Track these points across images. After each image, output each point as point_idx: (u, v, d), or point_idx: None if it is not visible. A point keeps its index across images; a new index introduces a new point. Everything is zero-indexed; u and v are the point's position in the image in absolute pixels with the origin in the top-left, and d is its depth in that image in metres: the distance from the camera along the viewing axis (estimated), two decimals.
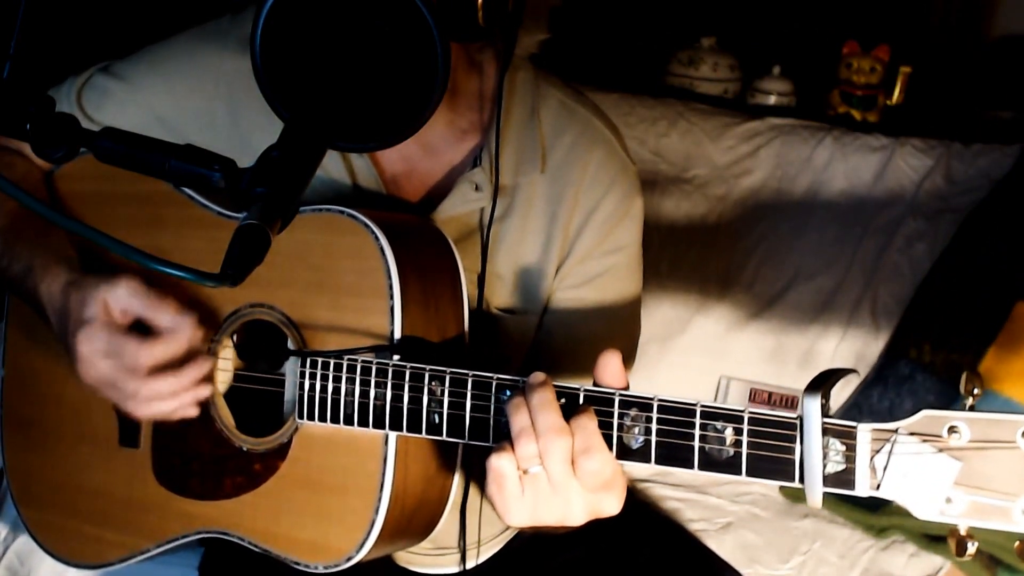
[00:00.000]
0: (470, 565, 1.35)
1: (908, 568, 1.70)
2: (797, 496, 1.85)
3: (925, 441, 0.80)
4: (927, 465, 0.80)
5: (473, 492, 1.23)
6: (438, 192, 1.24)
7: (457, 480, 1.16)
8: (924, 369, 1.89)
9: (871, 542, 1.75)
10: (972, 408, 0.80)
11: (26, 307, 1.24)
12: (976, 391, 0.81)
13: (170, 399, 1.09)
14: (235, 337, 1.19)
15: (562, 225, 1.24)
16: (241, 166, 0.85)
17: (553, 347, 1.26)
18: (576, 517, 0.93)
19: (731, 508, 1.85)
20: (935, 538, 1.70)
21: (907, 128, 2.27)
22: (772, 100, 2.48)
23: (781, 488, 1.89)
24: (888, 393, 1.91)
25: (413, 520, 1.13)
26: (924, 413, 0.81)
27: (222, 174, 0.83)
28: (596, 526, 1.37)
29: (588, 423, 0.90)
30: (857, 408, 1.94)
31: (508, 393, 0.97)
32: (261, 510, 1.14)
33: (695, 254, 2.15)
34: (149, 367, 1.07)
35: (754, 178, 2.22)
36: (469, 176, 1.21)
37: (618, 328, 1.30)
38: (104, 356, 1.08)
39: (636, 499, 1.59)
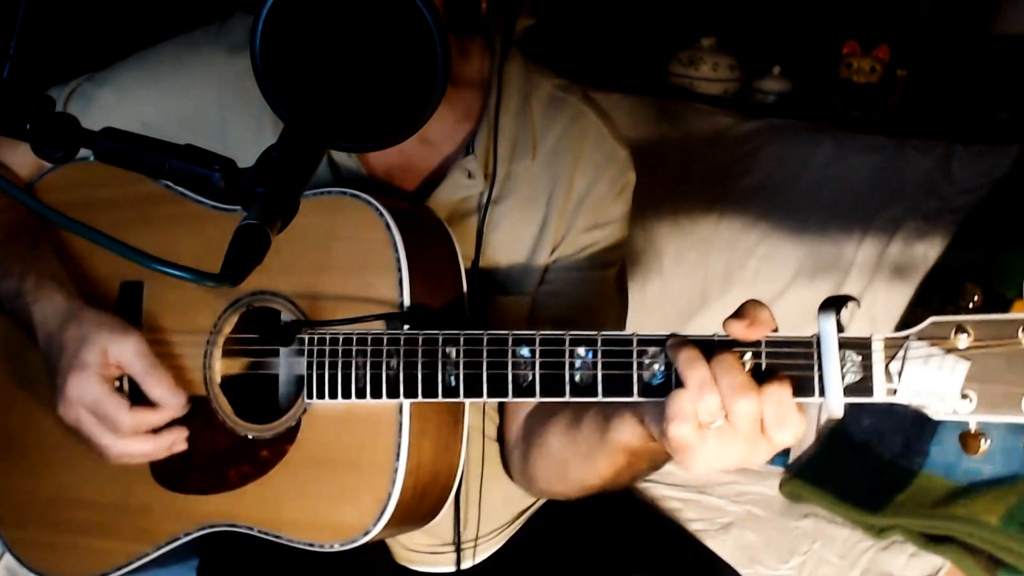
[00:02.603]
0: (468, 564, 1.35)
1: (908, 568, 1.70)
2: (798, 496, 1.85)
3: (935, 345, 0.84)
4: (938, 367, 0.84)
5: (472, 487, 1.23)
6: (432, 180, 1.25)
7: (461, 466, 1.17)
8: None
9: (871, 542, 1.74)
10: (976, 311, 0.84)
11: (8, 324, 1.24)
12: (976, 298, 0.85)
13: (140, 457, 1.14)
14: (235, 327, 1.19)
15: (557, 209, 1.27)
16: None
17: (546, 318, 1.28)
18: (758, 462, 0.92)
19: (731, 508, 1.84)
20: (935, 538, 1.69)
21: (907, 128, 2.27)
22: (772, 100, 2.48)
23: (781, 487, 1.89)
24: None
25: (425, 497, 1.14)
26: (931, 319, 0.85)
27: (222, 174, 0.83)
28: (595, 527, 1.37)
29: (783, 392, 0.88)
30: (857, 405, 1.93)
31: (526, 348, 1.00)
32: (269, 497, 1.14)
33: (695, 254, 2.15)
34: (130, 431, 1.11)
35: (754, 178, 2.21)
36: (462, 164, 1.23)
37: (608, 295, 1.33)
38: (89, 406, 1.11)
39: (636, 499, 1.59)
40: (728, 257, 2.14)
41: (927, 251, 2.05)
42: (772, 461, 1.96)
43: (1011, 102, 2.37)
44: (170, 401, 1.12)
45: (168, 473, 1.20)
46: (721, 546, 1.70)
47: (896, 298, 2.04)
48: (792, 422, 0.87)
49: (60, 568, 1.28)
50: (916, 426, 1.83)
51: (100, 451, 1.13)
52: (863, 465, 1.85)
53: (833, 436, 1.95)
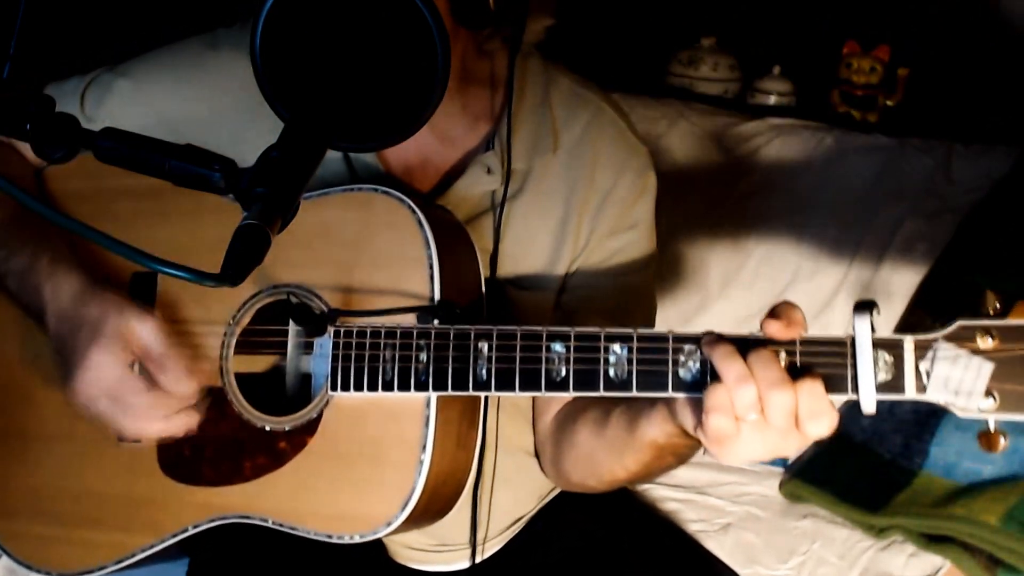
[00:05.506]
0: (467, 564, 1.35)
1: (908, 568, 1.70)
2: (797, 496, 1.85)
3: (962, 346, 0.89)
4: (965, 368, 0.89)
5: (483, 487, 1.23)
6: (450, 176, 1.26)
7: (474, 467, 1.18)
8: None
9: (871, 542, 1.74)
10: (997, 317, 0.89)
11: (6, 307, 1.24)
12: (998, 305, 0.90)
13: (152, 437, 1.15)
14: (254, 319, 1.19)
15: (578, 206, 1.27)
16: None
17: (575, 322, 1.27)
18: (790, 453, 0.96)
19: (731, 509, 1.84)
20: (935, 538, 1.69)
21: (907, 128, 2.27)
22: (772, 100, 2.48)
23: (781, 487, 1.89)
24: None
25: (440, 494, 1.14)
26: (959, 322, 0.90)
27: (222, 174, 0.84)
28: (593, 528, 1.37)
29: (817, 387, 0.91)
30: (858, 407, 1.93)
31: (560, 344, 1.00)
32: (285, 488, 1.14)
33: (694, 254, 2.15)
34: (144, 414, 1.11)
35: (754, 178, 2.21)
36: (482, 159, 1.24)
37: (638, 299, 1.32)
38: (106, 385, 1.10)
39: (635, 501, 1.59)
40: (728, 257, 2.14)
41: (927, 251, 2.05)
42: (772, 462, 1.96)
43: (1011, 102, 2.36)
44: (179, 389, 1.11)
45: (177, 465, 1.19)
46: (720, 546, 1.70)
47: (896, 298, 2.04)
48: (826, 415, 0.91)
49: (53, 562, 1.25)
50: (916, 426, 1.83)
51: (113, 430, 1.12)
52: (863, 465, 1.85)
53: (833, 436, 1.94)
